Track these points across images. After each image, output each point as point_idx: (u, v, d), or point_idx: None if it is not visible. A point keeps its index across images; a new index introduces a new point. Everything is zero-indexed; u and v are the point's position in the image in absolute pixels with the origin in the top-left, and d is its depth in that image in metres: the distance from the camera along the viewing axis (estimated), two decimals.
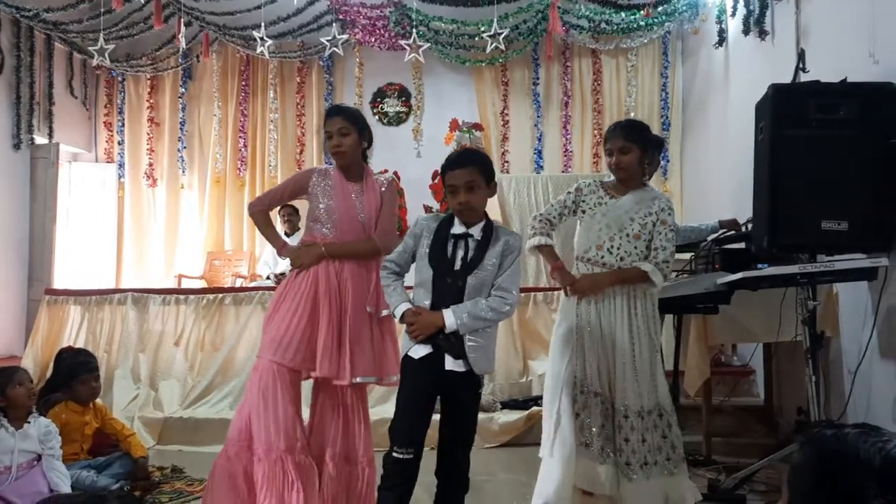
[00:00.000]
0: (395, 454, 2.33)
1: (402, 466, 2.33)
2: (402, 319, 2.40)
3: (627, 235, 2.80)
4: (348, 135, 2.87)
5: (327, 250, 2.83)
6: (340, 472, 2.77)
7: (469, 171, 2.40)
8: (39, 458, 3.00)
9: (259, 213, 3.10)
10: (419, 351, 2.37)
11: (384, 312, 2.82)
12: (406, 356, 2.41)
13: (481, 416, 4.50)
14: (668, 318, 4.20)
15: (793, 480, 1.09)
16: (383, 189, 2.95)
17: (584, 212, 2.91)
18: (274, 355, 2.75)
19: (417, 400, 2.39)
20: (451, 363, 2.34)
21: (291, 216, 6.66)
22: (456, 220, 2.44)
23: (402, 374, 2.45)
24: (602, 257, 2.81)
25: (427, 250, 2.41)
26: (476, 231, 2.41)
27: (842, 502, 1.00)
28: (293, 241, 5.46)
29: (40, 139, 7.21)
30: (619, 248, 2.80)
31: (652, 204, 2.83)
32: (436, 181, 6.26)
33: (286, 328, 2.76)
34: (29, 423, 3.02)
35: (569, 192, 2.96)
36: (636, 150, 2.83)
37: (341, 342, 2.77)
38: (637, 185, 2.89)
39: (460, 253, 2.38)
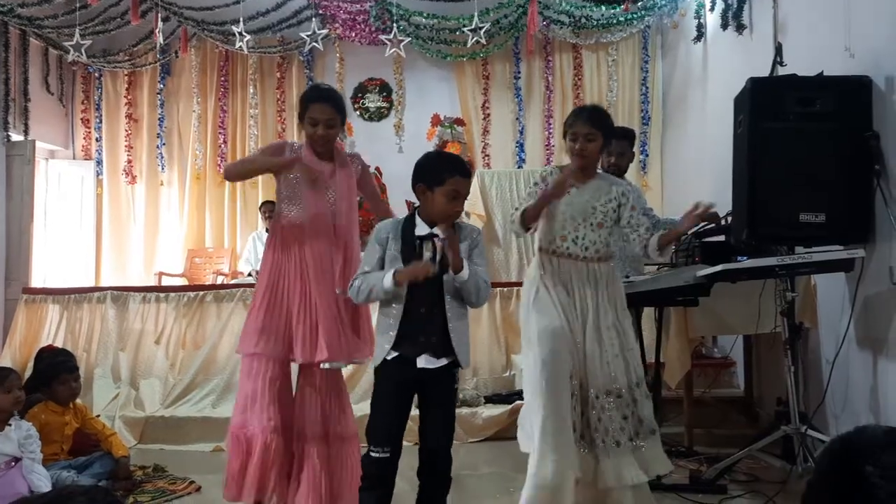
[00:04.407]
0: (372, 454, 2.34)
1: (380, 465, 2.34)
2: (395, 284, 2.33)
3: (591, 225, 2.81)
4: (335, 126, 2.85)
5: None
6: (322, 451, 2.81)
7: (471, 182, 2.46)
8: (17, 459, 2.96)
9: (237, 175, 3.20)
10: (391, 353, 2.37)
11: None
12: (382, 360, 2.40)
13: (466, 410, 4.54)
14: (649, 310, 4.23)
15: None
16: (359, 169, 3.04)
17: None
18: (253, 347, 2.84)
19: (391, 400, 2.39)
20: (423, 361, 2.36)
21: (272, 212, 6.62)
22: (419, 221, 2.43)
23: (376, 378, 2.46)
24: (567, 248, 2.81)
25: (398, 255, 2.40)
26: (439, 230, 2.40)
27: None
28: None
29: (16, 136, 7.08)
30: (583, 238, 2.80)
31: (610, 190, 2.85)
32: None
33: (261, 319, 2.84)
34: (10, 425, 2.99)
35: (536, 183, 2.94)
36: (601, 138, 2.83)
37: (313, 325, 2.80)
38: (594, 174, 2.91)
39: (428, 254, 2.36)
